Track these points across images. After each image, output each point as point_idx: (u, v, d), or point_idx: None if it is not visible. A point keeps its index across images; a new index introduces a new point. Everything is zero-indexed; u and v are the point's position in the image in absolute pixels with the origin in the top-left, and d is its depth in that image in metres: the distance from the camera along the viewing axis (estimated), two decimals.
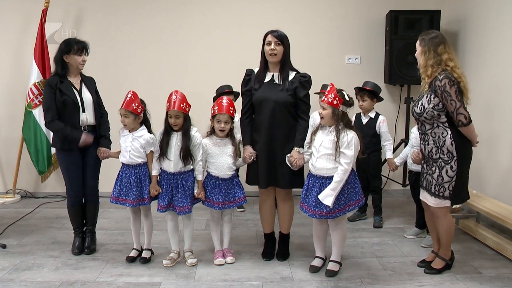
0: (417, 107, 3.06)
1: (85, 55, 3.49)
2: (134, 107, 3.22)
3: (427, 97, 2.98)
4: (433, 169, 3.04)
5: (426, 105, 2.98)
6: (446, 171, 2.98)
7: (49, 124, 3.43)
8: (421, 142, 3.15)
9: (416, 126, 3.28)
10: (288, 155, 3.21)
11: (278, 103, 3.21)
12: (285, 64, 3.27)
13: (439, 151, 3.00)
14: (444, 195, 3.01)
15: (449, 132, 2.96)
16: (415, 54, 3.11)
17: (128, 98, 3.23)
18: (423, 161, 3.20)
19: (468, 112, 2.94)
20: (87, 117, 3.47)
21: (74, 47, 3.42)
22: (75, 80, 3.50)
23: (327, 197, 2.96)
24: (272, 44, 3.21)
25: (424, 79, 3.02)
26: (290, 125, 3.25)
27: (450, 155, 2.97)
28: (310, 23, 5.20)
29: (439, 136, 2.99)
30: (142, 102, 3.30)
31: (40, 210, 4.81)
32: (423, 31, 3.16)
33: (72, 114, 3.42)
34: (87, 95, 3.49)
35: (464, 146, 3.00)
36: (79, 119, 3.43)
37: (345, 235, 3.24)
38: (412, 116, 3.24)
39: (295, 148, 3.21)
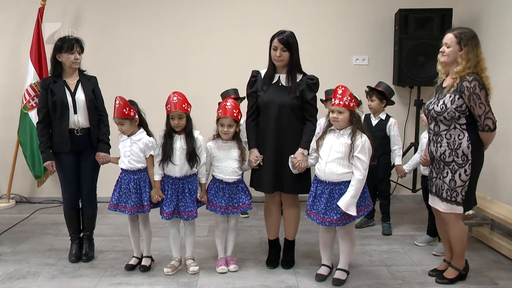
0: (437, 105, 2.94)
1: (78, 53, 3.40)
2: (126, 112, 3.16)
3: (450, 96, 2.88)
4: (445, 173, 2.95)
5: (448, 105, 2.87)
6: (460, 175, 2.90)
7: (36, 126, 3.51)
8: (432, 143, 3.04)
9: (426, 131, 3.18)
10: (292, 156, 3.14)
11: (284, 106, 3.15)
12: (293, 67, 3.19)
13: (453, 154, 2.90)
14: (456, 200, 2.92)
15: (466, 135, 2.88)
16: (449, 50, 2.91)
17: (117, 105, 3.17)
18: (431, 165, 3.12)
19: (495, 118, 2.86)
20: (79, 119, 3.41)
21: (65, 45, 3.37)
22: (71, 80, 3.44)
23: (351, 206, 2.90)
24: (278, 50, 3.13)
25: (455, 79, 2.89)
26: (296, 128, 3.19)
27: (465, 158, 2.88)
28: (316, 23, 5.13)
29: (454, 138, 2.90)
30: (133, 104, 3.23)
31: (35, 216, 4.76)
32: (456, 27, 3.02)
33: (62, 116, 3.36)
34: (80, 96, 3.41)
35: (479, 150, 2.93)
36: (68, 121, 3.38)
37: (354, 242, 3.18)
38: (424, 114, 3.14)
39: (300, 150, 3.14)
